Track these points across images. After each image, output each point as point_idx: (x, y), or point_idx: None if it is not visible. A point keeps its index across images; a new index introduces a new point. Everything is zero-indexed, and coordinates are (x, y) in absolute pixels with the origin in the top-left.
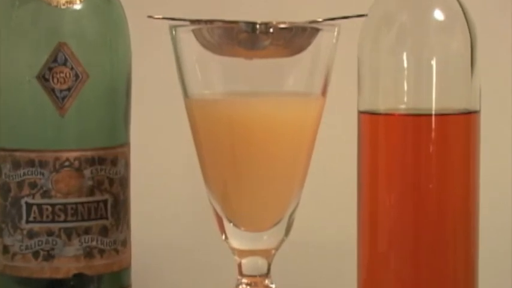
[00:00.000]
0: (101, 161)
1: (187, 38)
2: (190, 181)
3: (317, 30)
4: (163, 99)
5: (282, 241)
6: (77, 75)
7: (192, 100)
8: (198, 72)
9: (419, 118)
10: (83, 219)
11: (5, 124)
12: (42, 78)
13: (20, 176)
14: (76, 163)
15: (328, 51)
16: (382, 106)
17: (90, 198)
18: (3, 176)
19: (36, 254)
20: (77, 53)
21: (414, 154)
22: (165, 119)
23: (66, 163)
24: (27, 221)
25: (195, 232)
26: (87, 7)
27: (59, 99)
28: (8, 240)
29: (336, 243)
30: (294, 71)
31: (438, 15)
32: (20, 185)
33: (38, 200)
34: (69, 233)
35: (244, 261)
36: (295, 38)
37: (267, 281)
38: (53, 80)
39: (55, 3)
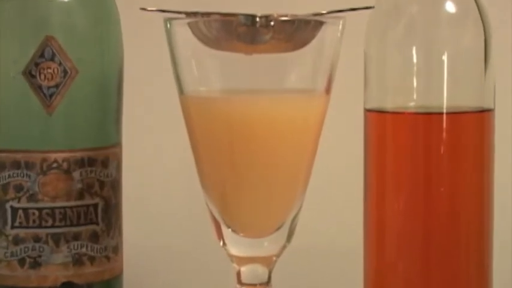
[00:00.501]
0: (91, 162)
1: (182, 31)
2: (185, 184)
3: (321, 23)
4: (157, 96)
5: (284, 247)
6: (65, 71)
7: (188, 98)
8: (194, 68)
9: (429, 117)
10: (71, 225)
11: None
12: (29, 74)
13: (5, 179)
14: (64, 165)
15: (333, 45)
16: (390, 104)
17: (80, 202)
18: None
19: (22, 262)
20: (65, 47)
21: (424, 155)
22: (159, 117)
23: (54, 165)
24: (13, 227)
25: (191, 238)
26: None
27: (46, 96)
28: None
29: (340, 250)
30: (296, 67)
31: (450, 7)
32: (4, 188)
33: (24, 204)
34: (57, 239)
35: (243, 269)
36: (297, 31)
37: None
38: (39, 76)
39: None
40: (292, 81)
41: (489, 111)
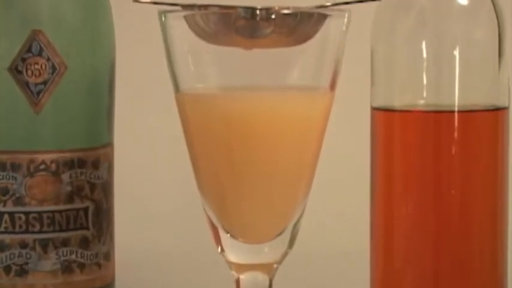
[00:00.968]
0: (81, 163)
1: (178, 25)
2: (181, 187)
3: (325, 16)
4: (151, 93)
5: (285, 254)
6: (53, 67)
7: (184, 95)
8: (190, 63)
9: (440, 115)
10: (60, 230)
11: None
12: (15, 71)
13: None
14: (53, 166)
15: (338, 39)
16: (398, 102)
17: (69, 206)
18: None
19: (7, 269)
20: (53, 41)
21: (434, 156)
22: (153, 116)
23: (42, 166)
24: None
25: (187, 244)
26: None
27: (33, 94)
28: None
29: (345, 256)
30: (298, 63)
31: None
32: None
33: (10, 207)
34: (45, 245)
35: (242, 276)
36: (300, 25)
37: None
38: (26, 73)
39: None
40: (294, 77)
41: (503, 109)
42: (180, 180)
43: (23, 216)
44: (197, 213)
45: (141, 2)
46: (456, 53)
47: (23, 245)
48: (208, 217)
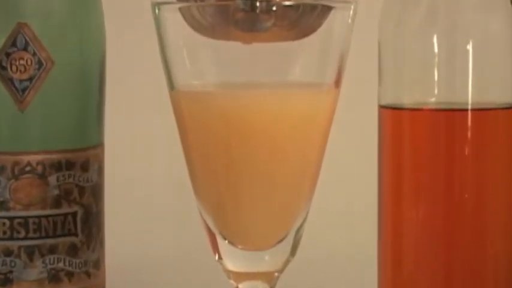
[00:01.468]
0: (69, 165)
1: (173, 18)
2: (176, 190)
3: (329, 8)
4: (144, 91)
5: (287, 262)
6: (40, 62)
7: (180, 93)
8: (186, 59)
9: (452, 114)
10: (47, 236)
11: None
12: None
13: None
14: (39, 168)
15: (343, 33)
16: (407, 99)
17: (56, 211)
18: None
19: None
20: (40, 35)
21: (446, 157)
22: (146, 115)
23: (27, 168)
24: None
25: (182, 251)
26: None
27: (18, 91)
28: None
29: (351, 264)
30: (301, 58)
31: None
32: None
33: None
34: (30, 252)
35: (241, 286)
36: (302, 17)
37: None
38: (11, 68)
39: None
40: (296, 74)
41: None
42: (175, 183)
43: (7, 222)
44: (193, 218)
45: None
46: (470, 47)
47: (7, 253)
48: (205, 222)
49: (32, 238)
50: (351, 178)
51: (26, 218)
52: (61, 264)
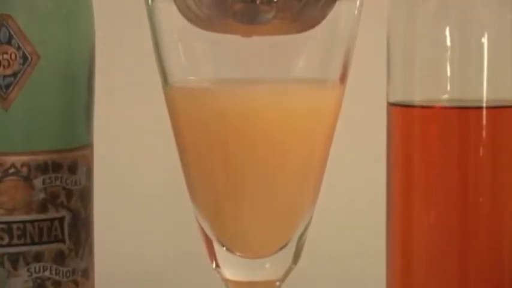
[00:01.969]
0: (56, 167)
1: (167, 9)
2: (170, 193)
3: None
4: (136, 88)
5: (290, 270)
6: (24, 57)
7: (174, 89)
8: (181, 53)
9: (466, 112)
10: (32, 243)
11: None
12: None
13: None
14: (24, 170)
15: (349, 26)
16: (418, 96)
17: (42, 216)
18: None
19: None
20: (24, 28)
21: (460, 158)
22: (138, 113)
23: (11, 170)
24: None
25: (177, 259)
26: None
27: (1, 87)
28: None
29: (358, 273)
30: (304, 52)
31: None
32: None
33: None
34: (15, 260)
35: None
36: (305, 9)
37: None
38: None
39: None
40: (299, 69)
41: None
42: (169, 185)
43: None
44: (188, 222)
45: None
46: (484, 40)
47: None
48: (201, 227)
49: (16, 245)
50: (357, 180)
51: (9, 223)
52: (47, 273)
